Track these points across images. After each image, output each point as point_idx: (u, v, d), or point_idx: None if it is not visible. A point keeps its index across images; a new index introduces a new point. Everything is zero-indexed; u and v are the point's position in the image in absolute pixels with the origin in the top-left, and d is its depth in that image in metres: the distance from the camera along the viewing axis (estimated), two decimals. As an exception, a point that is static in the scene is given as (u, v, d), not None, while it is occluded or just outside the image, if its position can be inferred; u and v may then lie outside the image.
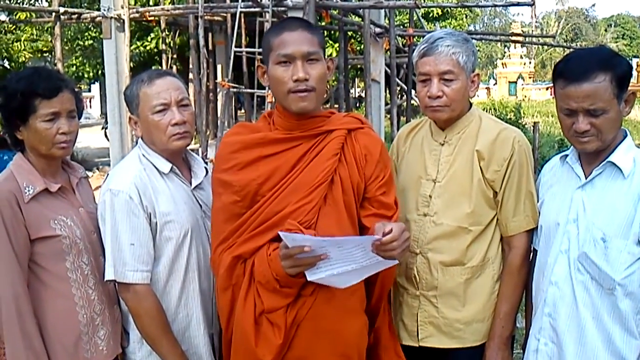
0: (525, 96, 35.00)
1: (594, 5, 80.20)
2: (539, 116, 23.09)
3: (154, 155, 2.22)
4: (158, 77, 2.21)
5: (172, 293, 2.18)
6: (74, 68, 17.76)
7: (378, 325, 2.17)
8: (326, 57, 2.05)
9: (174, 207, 2.17)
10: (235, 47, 8.57)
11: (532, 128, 8.85)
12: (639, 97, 2.01)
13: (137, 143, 2.31)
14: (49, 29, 15.07)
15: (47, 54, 18.34)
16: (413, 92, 11.65)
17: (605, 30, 56.28)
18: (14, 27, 15.65)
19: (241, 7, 8.30)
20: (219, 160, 2.09)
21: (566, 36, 51.66)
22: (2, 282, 1.97)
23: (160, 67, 13.01)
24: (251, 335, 1.95)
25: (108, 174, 2.27)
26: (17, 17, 13.57)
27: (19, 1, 15.31)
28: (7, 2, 13.36)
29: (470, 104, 2.35)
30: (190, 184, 2.29)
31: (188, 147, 2.34)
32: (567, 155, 2.15)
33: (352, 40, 15.50)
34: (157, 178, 2.20)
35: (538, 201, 2.23)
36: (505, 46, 43.53)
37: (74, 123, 2.13)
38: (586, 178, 2.03)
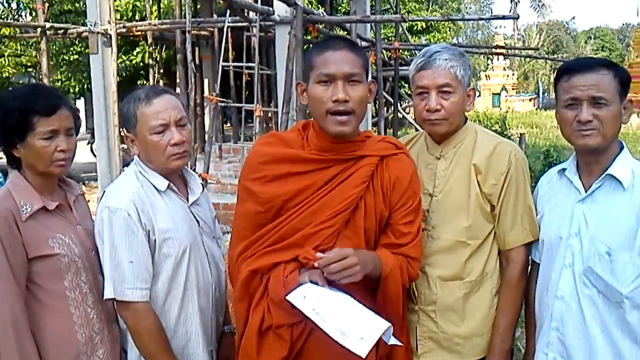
0: (509, 107, 35.28)
1: (573, 17, 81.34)
2: (524, 127, 23.32)
3: (151, 172, 2.20)
4: (156, 96, 2.16)
5: (172, 310, 2.16)
6: (59, 83, 17.62)
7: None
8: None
9: (173, 224, 2.15)
10: (223, 61, 8.59)
11: (518, 139, 8.91)
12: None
13: (123, 159, 2.30)
14: (34, 44, 14.99)
15: (31, 68, 18.21)
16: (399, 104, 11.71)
17: (585, 42, 56.85)
18: (-2, 42, 15.56)
19: (228, 22, 8.33)
20: (247, 167, 2.08)
21: (547, 48, 52.03)
22: (0, 303, 1.93)
23: (146, 82, 12.97)
24: (254, 345, 1.95)
25: (104, 191, 2.24)
26: (1, 32, 13.48)
27: (2, 17, 15.21)
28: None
29: (466, 118, 2.36)
30: (188, 200, 2.27)
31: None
32: (564, 169, 2.15)
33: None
34: (155, 195, 2.17)
35: (537, 214, 2.23)
36: (488, 58, 43.89)
37: (72, 140, 2.11)
38: (586, 191, 2.03)
